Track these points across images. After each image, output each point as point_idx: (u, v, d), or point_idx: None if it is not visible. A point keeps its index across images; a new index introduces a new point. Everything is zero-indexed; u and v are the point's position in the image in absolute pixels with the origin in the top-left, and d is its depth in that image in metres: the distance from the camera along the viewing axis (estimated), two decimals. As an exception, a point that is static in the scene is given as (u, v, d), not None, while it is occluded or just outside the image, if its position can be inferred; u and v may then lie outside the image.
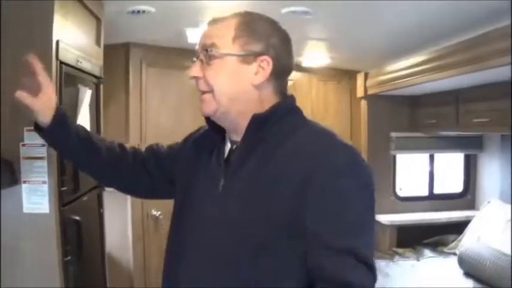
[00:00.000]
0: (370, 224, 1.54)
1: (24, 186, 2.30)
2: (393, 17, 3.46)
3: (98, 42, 3.15)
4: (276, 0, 3.13)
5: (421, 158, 6.12)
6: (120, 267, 4.44)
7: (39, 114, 1.81)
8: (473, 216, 5.23)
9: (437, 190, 6.10)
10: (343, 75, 5.87)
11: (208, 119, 1.73)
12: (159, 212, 4.68)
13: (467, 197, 5.93)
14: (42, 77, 1.79)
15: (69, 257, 2.44)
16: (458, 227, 5.31)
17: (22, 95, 1.76)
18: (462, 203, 5.91)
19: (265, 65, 1.61)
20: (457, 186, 6.07)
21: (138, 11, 3.40)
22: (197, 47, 1.67)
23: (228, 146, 1.73)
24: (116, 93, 4.38)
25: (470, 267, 4.27)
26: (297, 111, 1.70)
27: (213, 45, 1.60)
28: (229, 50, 1.60)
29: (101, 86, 3.15)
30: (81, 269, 2.70)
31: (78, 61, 2.64)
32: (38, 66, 1.78)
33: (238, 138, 1.67)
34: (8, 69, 2.24)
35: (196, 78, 1.65)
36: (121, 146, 2.04)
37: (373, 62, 5.21)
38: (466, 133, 5.42)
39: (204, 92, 1.64)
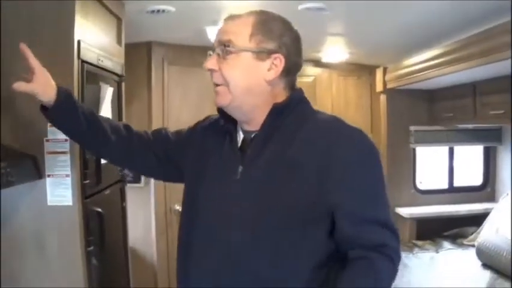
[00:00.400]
0: (385, 193, 1.72)
1: (48, 180, 2.41)
2: (409, 12, 3.49)
3: (119, 41, 3.25)
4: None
5: (440, 151, 6.13)
6: (144, 261, 4.53)
7: (41, 95, 1.89)
8: (492, 209, 5.20)
9: (456, 183, 6.10)
10: (362, 70, 5.89)
11: (220, 110, 1.82)
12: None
13: (487, 189, 5.93)
14: (32, 60, 1.88)
15: (91, 248, 2.54)
16: (477, 220, 5.30)
17: (18, 85, 1.86)
18: (481, 195, 5.90)
19: (278, 62, 1.71)
20: (477, 179, 6.06)
21: (158, 11, 3.47)
22: (214, 41, 1.76)
23: (241, 135, 1.81)
24: (139, 91, 4.47)
25: (488, 259, 4.29)
26: (306, 102, 1.82)
27: (230, 41, 1.69)
28: (245, 47, 1.69)
29: (123, 84, 3.25)
30: (103, 260, 2.80)
31: (99, 60, 2.74)
32: (27, 51, 1.88)
33: (250, 128, 1.78)
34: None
35: (212, 70, 1.73)
36: (126, 126, 2.11)
37: (391, 56, 5.23)
38: (484, 125, 5.42)
39: (218, 85, 1.74)
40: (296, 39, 1.78)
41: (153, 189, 4.59)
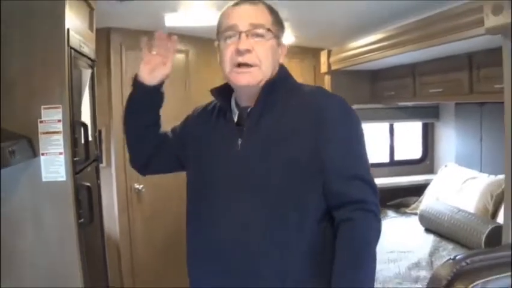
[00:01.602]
0: (366, 152, 1.89)
1: (42, 158, 2.61)
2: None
3: (91, 28, 3.42)
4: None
5: (382, 128, 6.42)
6: (108, 238, 4.72)
7: (154, 75, 2.02)
8: (431, 180, 5.57)
9: (397, 157, 6.46)
10: (306, 52, 6.07)
11: (217, 90, 2.03)
12: (141, 185, 4.91)
13: (426, 162, 6.30)
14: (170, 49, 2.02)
15: (82, 220, 2.76)
16: (418, 190, 5.67)
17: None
18: (421, 168, 6.28)
19: (284, 50, 1.97)
20: (416, 153, 6.42)
21: None
22: (239, 22, 1.86)
23: (236, 111, 1.98)
24: (99, 76, 4.61)
25: (430, 223, 4.59)
26: (291, 76, 2.02)
27: (262, 25, 1.85)
28: (273, 32, 1.88)
29: (95, 68, 3.44)
30: (91, 232, 3.01)
31: (80, 46, 2.93)
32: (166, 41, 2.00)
33: (247, 104, 1.94)
34: (25, 56, 2.57)
35: (248, 51, 1.83)
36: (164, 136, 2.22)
37: (336, 40, 5.42)
38: (423, 103, 5.73)
39: (248, 65, 1.85)
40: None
41: (114, 169, 4.75)
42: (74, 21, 2.82)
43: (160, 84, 2.08)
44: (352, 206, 1.79)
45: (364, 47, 4.91)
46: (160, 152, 2.19)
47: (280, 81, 1.94)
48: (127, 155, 4.63)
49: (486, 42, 3.36)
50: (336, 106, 1.86)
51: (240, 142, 1.89)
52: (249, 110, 1.94)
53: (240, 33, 1.84)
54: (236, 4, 1.92)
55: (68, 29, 2.63)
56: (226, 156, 1.90)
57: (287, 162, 1.79)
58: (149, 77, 2.03)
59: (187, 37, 5.16)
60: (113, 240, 4.69)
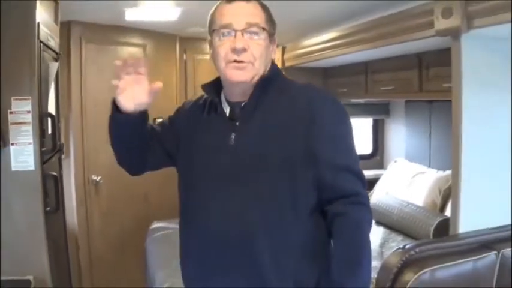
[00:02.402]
0: (354, 147, 1.98)
1: (12, 148, 2.68)
2: None
3: (56, 21, 3.49)
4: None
5: None
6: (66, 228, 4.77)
7: (136, 104, 1.94)
8: (381, 175, 5.72)
9: (348, 152, 6.60)
10: None
11: (207, 86, 2.07)
12: (99, 177, 4.99)
13: (376, 157, 6.46)
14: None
15: (48, 208, 2.84)
16: (368, 184, 5.67)
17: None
18: (371, 163, 6.42)
19: (274, 44, 2.02)
20: (367, 148, 6.55)
21: None
22: (234, 20, 1.88)
23: (227, 106, 2.02)
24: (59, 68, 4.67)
25: (380, 217, 4.72)
26: (282, 73, 2.09)
27: (257, 24, 1.89)
28: (266, 30, 1.92)
29: (59, 61, 3.50)
30: (55, 221, 3.09)
31: (48, 39, 3.00)
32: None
33: (239, 99, 1.98)
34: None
35: (244, 49, 1.87)
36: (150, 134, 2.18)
37: (290, 37, 5.52)
38: (374, 100, 5.88)
39: (242, 62, 1.88)
40: None
41: (72, 160, 4.81)
42: (43, 15, 2.89)
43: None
44: (345, 199, 1.84)
45: (318, 44, 4.99)
46: (149, 150, 2.17)
47: (273, 77, 1.99)
48: (85, 146, 4.73)
49: (436, 43, 3.49)
50: (325, 101, 1.93)
51: (233, 136, 1.93)
52: (242, 104, 1.98)
53: (236, 31, 1.88)
54: (230, 0, 1.94)
55: (38, 23, 2.70)
56: (219, 149, 1.94)
57: (279, 157, 1.85)
58: (129, 105, 1.96)
59: (145, 31, 5.25)
60: (71, 231, 4.74)
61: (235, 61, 1.89)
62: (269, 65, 2.00)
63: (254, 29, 1.88)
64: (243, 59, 1.88)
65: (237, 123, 1.96)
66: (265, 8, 1.97)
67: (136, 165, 2.24)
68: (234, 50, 1.88)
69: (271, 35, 1.97)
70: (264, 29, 1.91)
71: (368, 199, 1.92)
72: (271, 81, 1.97)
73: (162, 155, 2.18)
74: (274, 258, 1.83)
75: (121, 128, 2.07)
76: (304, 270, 1.86)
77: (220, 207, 1.88)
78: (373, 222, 4.68)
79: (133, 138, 2.09)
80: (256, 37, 1.89)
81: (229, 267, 1.88)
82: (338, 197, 1.85)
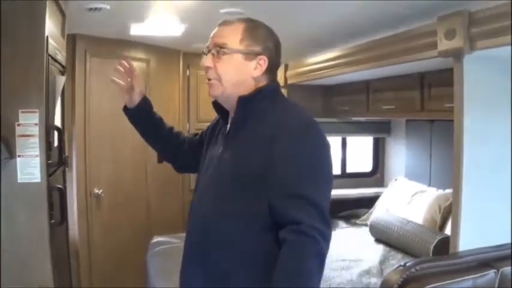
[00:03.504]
0: (322, 176, 1.93)
1: (18, 160, 2.69)
2: (310, 18, 3.89)
3: (63, 35, 3.51)
4: (216, 0, 3.53)
5: (334, 141, 6.50)
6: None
7: (132, 101, 2.46)
8: (381, 192, 5.74)
9: (349, 169, 6.64)
10: None
11: (214, 103, 2.23)
12: (100, 190, 5.01)
13: (376, 175, 6.51)
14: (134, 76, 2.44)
15: (53, 221, 2.86)
16: (368, 202, 5.83)
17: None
18: (372, 181, 6.48)
19: (262, 62, 2.07)
20: (367, 166, 6.62)
21: (96, 8, 3.71)
22: (208, 42, 2.11)
23: (229, 123, 2.18)
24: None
25: (380, 234, 4.74)
26: (276, 94, 2.15)
27: (224, 44, 2.04)
28: (236, 49, 2.04)
29: (65, 75, 3.54)
30: (59, 233, 3.10)
31: (55, 53, 3.04)
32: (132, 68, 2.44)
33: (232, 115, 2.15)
34: (8, 62, 2.65)
35: (208, 67, 2.08)
36: (179, 133, 2.64)
37: (293, 54, 5.55)
38: (375, 118, 5.94)
39: (212, 79, 2.09)
40: (277, 43, 2.16)
41: (75, 173, 4.83)
42: (51, 28, 2.91)
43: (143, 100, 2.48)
44: (289, 226, 1.81)
45: (321, 63, 5.04)
46: (185, 151, 2.57)
47: (258, 96, 2.07)
48: (88, 159, 4.76)
49: (438, 63, 3.54)
50: (292, 124, 1.95)
51: (220, 151, 2.13)
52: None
53: (206, 52, 2.11)
54: (219, 24, 2.13)
55: (47, 36, 2.73)
56: (210, 160, 2.17)
57: (244, 173, 1.96)
58: (130, 101, 2.48)
59: (149, 46, 5.30)
60: (72, 243, 4.75)
61: (208, 79, 2.12)
62: (251, 83, 2.09)
63: (220, 49, 2.05)
64: (209, 76, 2.10)
65: (225, 140, 2.15)
66: (248, 29, 2.08)
67: (174, 159, 2.67)
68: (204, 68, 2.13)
69: (247, 53, 2.06)
70: (232, 47, 2.05)
71: (318, 230, 1.79)
72: (254, 100, 2.07)
73: (192, 160, 2.47)
74: (223, 263, 1.98)
75: (136, 119, 2.53)
76: (250, 283, 1.92)
77: (195, 215, 2.16)
78: (373, 240, 4.76)
79: (149, 124, 2.54)
80: (223, 56, 2.05)
81: (194, 271, 2.09)
82: (286, 223, 1.84)
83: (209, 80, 2.11)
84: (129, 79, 2.43)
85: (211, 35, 2.12)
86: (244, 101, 2.07)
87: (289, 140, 1.91)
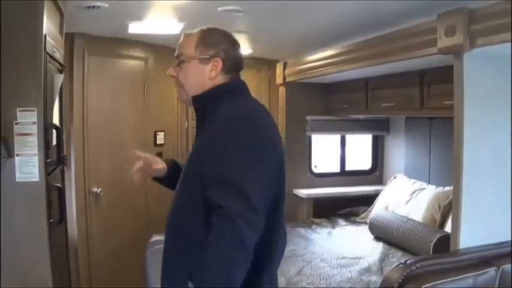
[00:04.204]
0: (251, 162, 1.95)
1: (17, 158, 2.67)
2: (309, 16, 3.87)
3: (61, 33, 3.50)
4: (214, 0, 3.54)
5: (333, 139, 6.59)
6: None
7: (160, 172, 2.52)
8: (381, 190, 5.75)
9: (348, 167, 6.64)
10: (262, 64, 6.26)
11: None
12: (99, 189, 5.00)
13: (375, 173, 6.52)
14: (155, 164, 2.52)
15: (52, 219, 2.84)
16: (367, 200, 5.85)
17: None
18: (371, 178, 6.49)
19: (217, 64, 2.18)
20: (366, 164, 6.62)
21: (94, 6, 3.69)
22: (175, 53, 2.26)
23: None
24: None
25: (379, 232, 4.77)
26: (233, 92, 2.20)
27: (181, 54, 2.21)
28: (192, 56, 2.19)
29: (63, 73, 3.52)
30: (58, 232, 3.09)
31: (53, 51, 3.02)
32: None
33: None
34: (6, 61, 2.63)
35: (172, 77, 2.26)
36: None
37: (292, 52, 5.60)
38: (374, 116, 5.95)
39: (178, 87, 2.27)
40: (233, 45, 2.25)
41: (73, 172, 4.80)
42: (49, 27, 2.90)
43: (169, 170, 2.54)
44: (215, 211, 1.85)
45: (320, 61, 5.07)
46: None
47: (214, 95, 2.19)
48: (86, 158, 4.76)
49: (437, 60, 3.54)
50: (224, 122, 2.04)
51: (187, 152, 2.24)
52: None
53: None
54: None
55: (45, 35, 2.72)
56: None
57: (192, 171, 2.10)
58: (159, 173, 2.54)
59: (147, 44, 5.28)
60: (71, 241, 4.74)
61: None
62: (209, 84, 2.20)
63: (178, 59, 2.23)
64: (176, 84, 2.29)
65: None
66: (201, 36, 2.22)
67: None
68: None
69: (202, 59, 2.19)
70: (188, 56, 2.19)
71: (240, 214, 1.82)
72: (206, 97, 2.20)
73: None
74: (172, 254, 2.17)
75: (166, 184, 2.58)
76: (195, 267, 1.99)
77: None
78: (372, 237, 4.76)
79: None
80: (182, 65, 2.22)
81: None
82: (213, 209, 1.88)
83: (177, 87, 2.29)
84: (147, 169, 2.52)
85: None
86: (195, 100, 2.22)
87: (219, 131, 2.02)
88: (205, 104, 2.18)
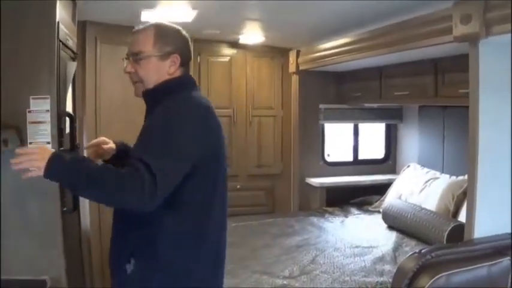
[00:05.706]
0: (173, 146, 2.06)
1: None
2: (322, 3, 3.82)
3: (73, 21, 3.51)
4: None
5: (346, 128, 6.58)
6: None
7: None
8: (394, 179, 5.75)
9: (361, 156, 6.63)
10: (275, 52, 6.24)
11: None
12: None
13: (389, 162, 6.51)
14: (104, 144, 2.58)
15: (65, 208, 2.84)
16: (379, 189, 5.85)
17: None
18: (384, 167, 6.48)
19: (176, 60, 2.30)
20: (379, 153, 6.61)
21: None
22: (128, 50, 2.33)
23: None
24: (74, 68, 4.67)
25: (393, 221, 4.76)
26: (181, 86, 2.32)
27: (140, 51, 2.26)
28: (151, 53, 2.26)
29: (76, 61, 3.51)
30: (71, 221, 3.09)
31: (66, 39, 3.01)
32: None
33: None
34: (15, 47, 2.64)
35: (130, 72, 2.32)
36: None
37: (305, 40, 5.57)
38: (387, 105, 5.94)
39: (136, 82, 2.32)
40: (186, 41, 2.38)
41: (86, 161, 4.78)
42: (62, 14, 2.89)
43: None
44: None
45: (333, 49, 5.03)
46: None
47: (164, 89, 2.28)
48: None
49: (452, 49, 3.52)
50: (164, 105, 2.16)
51: None
52: None
53: (127, 59, 2.35)
54: (133, 32, 2.37)
55: (58, 22, 2.71)
56: None
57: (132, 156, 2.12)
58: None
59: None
60: (84, 231, 4.74)
61: (133, 81, 2.36)
62: (167, 78, 2.30)
63: (136, 56, 2.28)
64: (133, 79, 2.35)
65: None
66: (158, 33, 2.30)
67: None
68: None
69: (160, 55, 2.27)
70: (146, 53, 2.25)
71: (144, 171, 1.95)
72: (159, 93, 2.27)
73: None
74: (117, 235, 2.29)
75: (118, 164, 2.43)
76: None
77: None
78: (385, 226, 4.74)
79: None
80: (141, 61, 2.27)
81: None
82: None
83: (134, 82, 2.34)
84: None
85: (129, 42, 2.36)
86: (145, 94, 2.32)
87: (151, 121, 2.19)
88: (153, 98, 2.28)
